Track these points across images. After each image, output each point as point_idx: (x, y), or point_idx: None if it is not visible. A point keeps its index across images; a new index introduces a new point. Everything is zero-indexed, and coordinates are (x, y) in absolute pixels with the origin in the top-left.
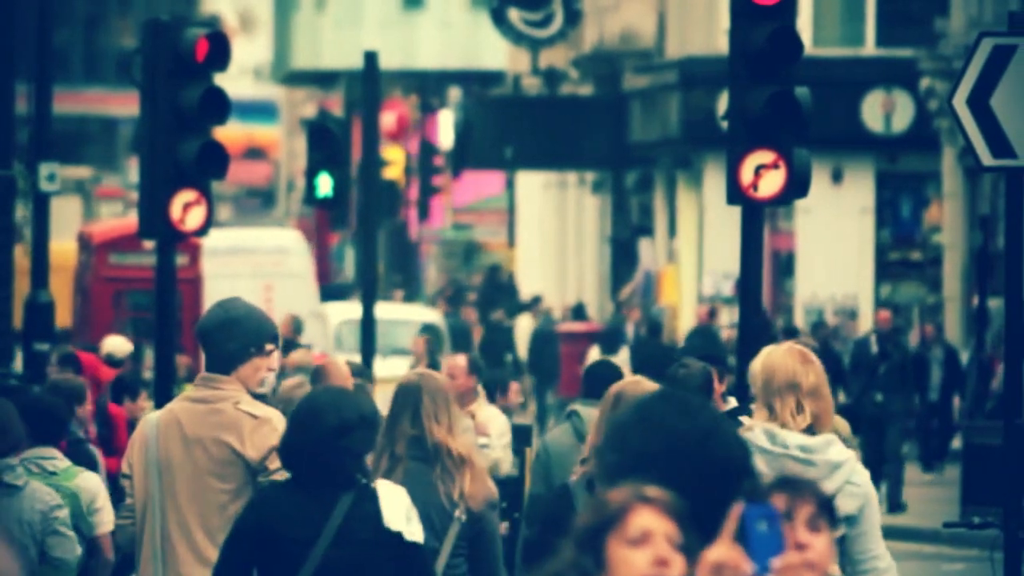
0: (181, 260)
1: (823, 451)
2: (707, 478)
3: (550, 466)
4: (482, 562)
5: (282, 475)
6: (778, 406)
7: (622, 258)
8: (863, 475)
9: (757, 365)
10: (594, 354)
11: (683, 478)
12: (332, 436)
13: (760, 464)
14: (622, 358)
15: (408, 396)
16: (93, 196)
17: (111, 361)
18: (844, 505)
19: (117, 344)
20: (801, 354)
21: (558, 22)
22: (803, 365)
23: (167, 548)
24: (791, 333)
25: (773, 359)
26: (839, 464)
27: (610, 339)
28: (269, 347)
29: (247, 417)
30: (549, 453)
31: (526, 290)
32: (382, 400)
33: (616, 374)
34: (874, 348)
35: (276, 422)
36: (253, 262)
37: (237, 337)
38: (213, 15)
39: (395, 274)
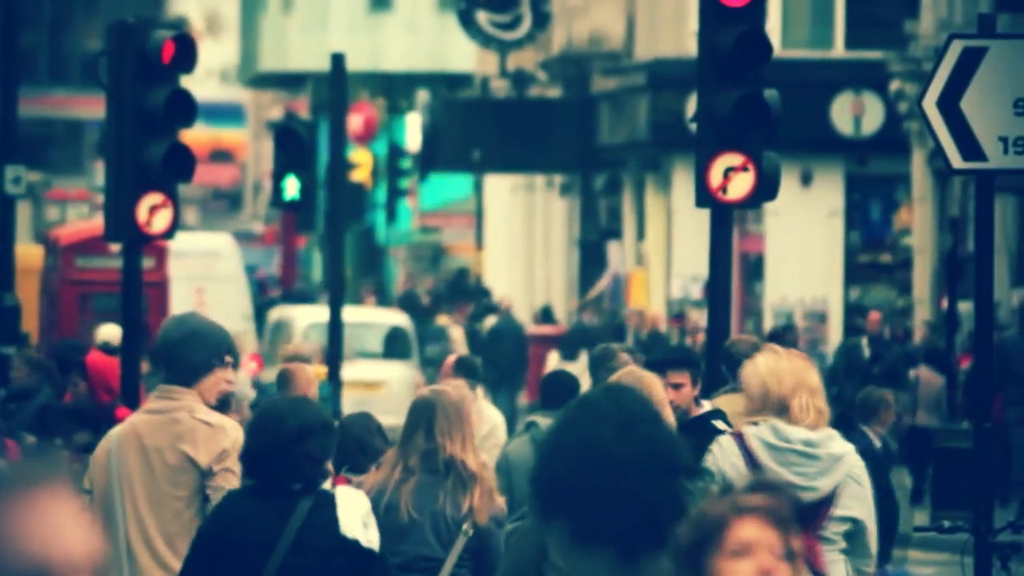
0: (147, 263)
1: (825, 445)
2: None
3: (511, 478)
4: (486, 574)
5: (228, 476)
6: (793, 405)
7: (590, 261)
8: (862, 468)
9: (762, 368)
10: (553, 359)
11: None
12: (293, 440)
13: (766, 459)
14: (581, 363)
15: (423, 411)
16: (44, 200)
17: (107, 349)
18: (850, 506)
19: (113, 333)
20: (802, 357)
21: (526, 24)
22: (806, 365)
23: (130, 557)
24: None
25: (779, 362)
26: (840, 456)
27: (569, 344)
28: (228, 359)
29: (202, 425)
30: (510, 464)
31: (494, 293)
32: (349, 403)
33: (573, 384)
34: (866, 351)
35: (229, 428)
36: (185, 265)
37: (200, 350)
38: (179, 17)
39: (367, 278)
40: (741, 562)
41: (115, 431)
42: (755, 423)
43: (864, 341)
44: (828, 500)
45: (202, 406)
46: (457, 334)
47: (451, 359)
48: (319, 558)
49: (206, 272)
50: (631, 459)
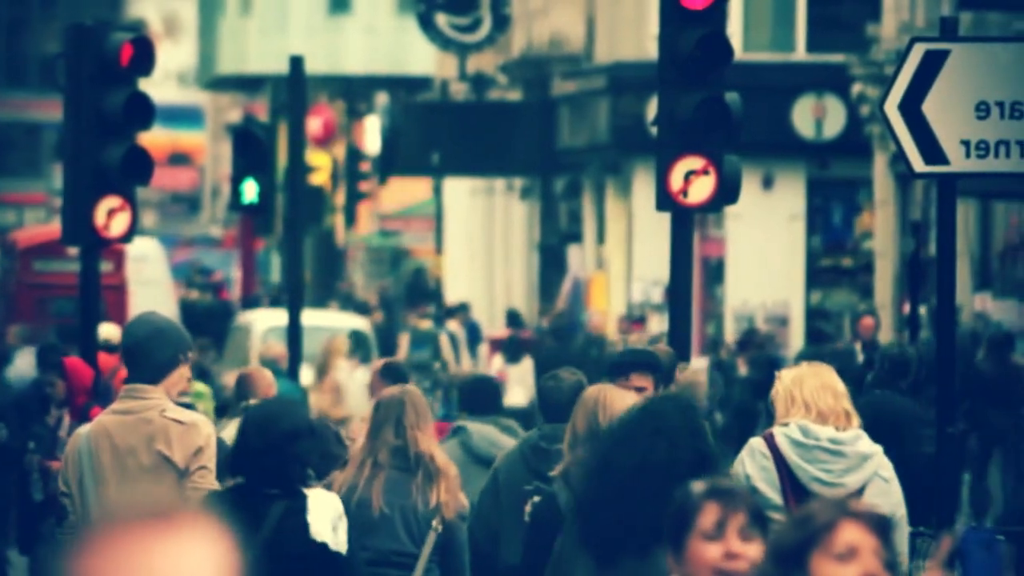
0: (105, 266)
1: (853, 443)
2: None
3: None
4: (452, 569)
5: (205, 473)
6: (818, 406)
7: (551, 265)
8: (890, 467)
9: (786, 378)
10: (497, 362)
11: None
12: (284, 441)
13: (793, 456)
14: (525, 366)
15: (391, 408)
16: None
17: (108, 347)
18: (876, 504)
19: (113, 331)
20: (826, 367)
21: (486, 27)
22: (830, 371)
23: None
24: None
25: (801, 371)
26: (868, 455)
27: (513, 347)
28: (191, 355)
29: (174, 424)
30: None
31: (453, 297)
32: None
33: (493, 389)
34: (859, 357)
35: (202, 425)
36: None
37: (166, 347)
38: (138, 20)
39: (335, 281)
40: (847, 566)
41: (84, 430)
42: (785, 424)
43: (858, 346)
44: (855, 497)
45: (172, 404)
46: (442, 340)
47: (377, 364)
48: (289, 563)
49: (133, 276)
50: (681, 468)
